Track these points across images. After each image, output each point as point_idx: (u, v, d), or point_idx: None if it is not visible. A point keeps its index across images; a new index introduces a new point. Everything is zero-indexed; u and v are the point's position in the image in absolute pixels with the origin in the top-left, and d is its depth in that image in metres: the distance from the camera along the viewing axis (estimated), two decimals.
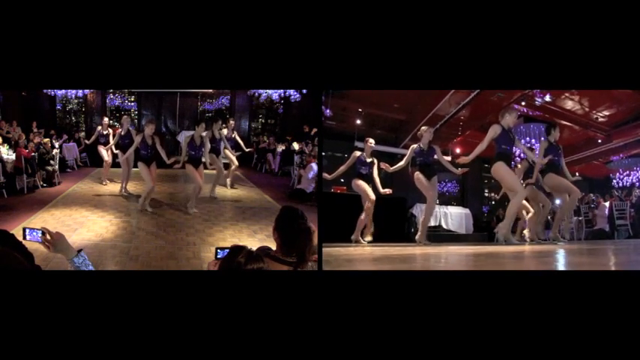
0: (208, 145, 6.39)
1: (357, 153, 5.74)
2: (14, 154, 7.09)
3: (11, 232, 2.21)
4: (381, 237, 5.95)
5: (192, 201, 6.15)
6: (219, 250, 2.50)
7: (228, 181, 7.57)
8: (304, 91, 10.73)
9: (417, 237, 5.48)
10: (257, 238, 5.12)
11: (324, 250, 3.02)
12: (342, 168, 5.77)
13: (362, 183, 5.64)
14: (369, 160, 5.73)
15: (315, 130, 9.78)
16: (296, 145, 9.52)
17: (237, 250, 1.82)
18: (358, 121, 9.24)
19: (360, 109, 8.91)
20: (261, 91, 11.35)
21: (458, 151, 9.57)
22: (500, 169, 4.62)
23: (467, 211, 9.47)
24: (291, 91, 11.03)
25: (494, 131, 4.64)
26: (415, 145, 5.43)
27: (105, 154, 7.42)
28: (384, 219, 6.76)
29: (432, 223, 7.03)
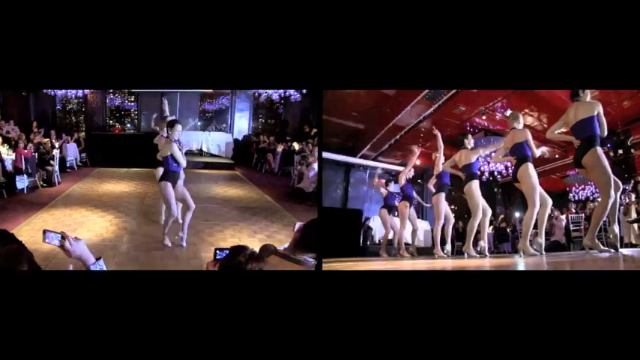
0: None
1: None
2: (14, 154, 7.10)
3: (10, 232, 2.22)
4: (335, 251, 5.55)
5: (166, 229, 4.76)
6: (218, 252, 2.51)
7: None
8: (304, 91, 10.74)
9: (464, 248, 5.27)
10: (257, 238, 5.11)
11: None
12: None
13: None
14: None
15: (315, 130, 9.79)
16: (296, 145, 9.54)
17: (238, 249, 1.82)
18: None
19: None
20: (261, 91, 11.37)
21: (418, 162, 9.43)
22: (526, 172, 4.37)
23: (426, 224, 9.25)
24: (291, 91, 11.05)
25: (525, 135, 4.39)
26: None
27: None
28: (339, 232, 6.66)
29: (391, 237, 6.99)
